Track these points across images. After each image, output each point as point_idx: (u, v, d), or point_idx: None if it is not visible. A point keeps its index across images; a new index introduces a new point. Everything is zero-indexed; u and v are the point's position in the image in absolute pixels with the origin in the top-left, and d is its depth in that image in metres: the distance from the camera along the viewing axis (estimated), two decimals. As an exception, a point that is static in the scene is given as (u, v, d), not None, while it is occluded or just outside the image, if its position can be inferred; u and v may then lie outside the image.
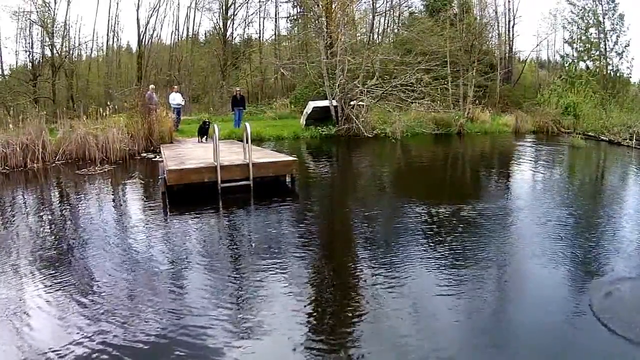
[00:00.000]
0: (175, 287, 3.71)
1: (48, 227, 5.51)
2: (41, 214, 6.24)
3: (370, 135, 14.77)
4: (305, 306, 3.36)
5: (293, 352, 2.76)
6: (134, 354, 2.72)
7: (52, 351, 2.73)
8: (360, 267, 4.16)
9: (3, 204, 7.00)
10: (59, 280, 3.80)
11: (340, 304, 3.42)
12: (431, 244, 4.73)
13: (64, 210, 6.42)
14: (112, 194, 7.72)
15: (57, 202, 7.13)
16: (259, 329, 3.01)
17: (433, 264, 4.16)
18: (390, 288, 3.63)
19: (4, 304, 3.37)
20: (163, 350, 2.76)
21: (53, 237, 5.04)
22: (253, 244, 4.84)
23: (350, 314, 3.23)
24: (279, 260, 4.24)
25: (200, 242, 4.90)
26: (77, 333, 2.93)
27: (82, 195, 7.39)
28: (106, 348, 2.77)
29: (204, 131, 11.31)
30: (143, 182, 8.54)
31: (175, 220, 5.75)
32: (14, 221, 5.82)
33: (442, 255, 4.41)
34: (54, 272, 3.99)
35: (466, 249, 4.54)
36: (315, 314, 3.27)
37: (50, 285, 3.70)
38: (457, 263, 4.16)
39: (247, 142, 7.03)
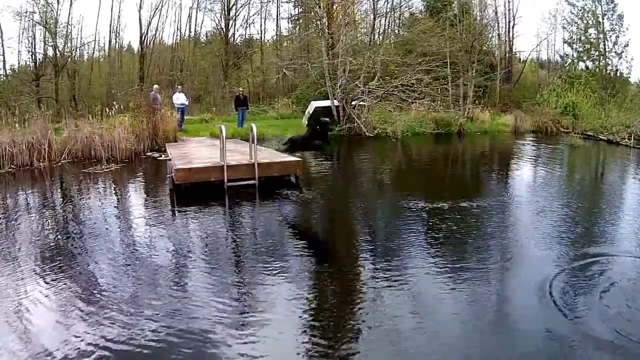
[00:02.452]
0: (187, 275, 3.93)
1: (63, 223, 5.71)
2: (55, 210, 6.44)
3: (371, 135, 14.95)
4: (307, 292, 3.58)
5: (292, 332, 2.96)
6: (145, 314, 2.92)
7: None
8: (362, 260, 4.34)
9: (19, 201, 7.21)
10: (79, 269, 4.04)
11: (342, 289, 3.63)
12: (429, 233, 5.01)
13: (76, 208, 6.59)
14: (122, 192, 7.91)
15: (69, 200, 7.31)
16: (263, 313, 3.22)
17: (431, 250, 4.46)
18: (390, 273, 3.85)
19: (35, 285, 3.64)
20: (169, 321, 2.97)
21: (69, 232, 5.23)
22: (258, 238, 5.07)
23: (351, 300, 3.43)
24: (281, 253, 4.47)
25: (208, 235, 5.11)
26: (95, 310, 3.13)
27: (92, 193, 7.59)
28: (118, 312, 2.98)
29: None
30: (150, 180, 8.75)
31: (184, 217, 5.95)
32: (31, 217, 6.02)
33: (441, 242, 4.69)
34: (75, 261, 4.25)
35: (464, 236, 4.83)
36: (316, 300, 3.48)
37: (70, 272, 3.97)
38: (456, 250, 4.45)
39: (253, 142, 7.20)
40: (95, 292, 3.59)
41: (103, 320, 3.12)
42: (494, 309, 3.29)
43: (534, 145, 14.42)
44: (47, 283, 3.77)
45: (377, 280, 3.79)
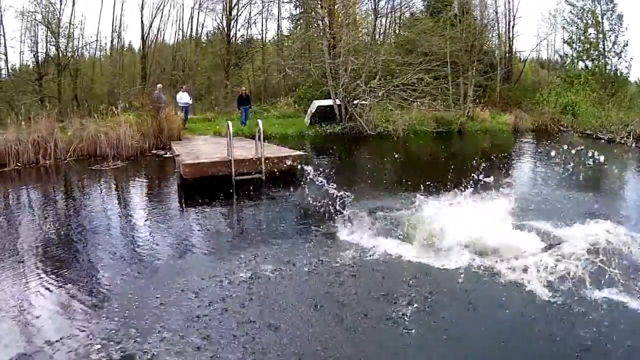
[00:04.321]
0: (204, 258, 4.19)
1: (81, 216, 5.90)
2: (70, 205, 6.66)
3: (373, 133, 15.09)
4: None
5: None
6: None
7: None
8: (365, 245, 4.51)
9: (32, 196, 7.40)
10: (102, 255, 4.33)
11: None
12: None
13: (89, 203, 6.79)
14: (131, 187, 8.13)
15: (81, 195, 7.48)
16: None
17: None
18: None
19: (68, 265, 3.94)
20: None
21: (89, 225, 5.44)
22: (267, 227, 5.37)
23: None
24: (286, 238, 4.75)
25: (218, 224, 5.39)
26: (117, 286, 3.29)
27: (103, 189, 7.80)
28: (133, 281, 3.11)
29: None
30: (158, 176, 8.95)
31: (194, 209, 6.19)
32: (48, 211, 6.22)
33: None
34: (98, 249, 4.52)
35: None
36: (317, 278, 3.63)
37: (90, 258, 4.25)
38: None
39: (259, 137, 7.36)
40: (116, 276, 3.77)
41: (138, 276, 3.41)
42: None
43: (532, 144, 14.59)
44: (71, 270, 3.99)
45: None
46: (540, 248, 4.10)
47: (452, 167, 6.51)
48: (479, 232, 4.16)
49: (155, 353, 2.69)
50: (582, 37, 24.29)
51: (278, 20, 26.37)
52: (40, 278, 3.82)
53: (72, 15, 22.35)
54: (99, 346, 2.74)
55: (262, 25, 27.95)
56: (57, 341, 2.80)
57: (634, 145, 13.88)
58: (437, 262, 3.95)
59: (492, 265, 3.79)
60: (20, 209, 6.46)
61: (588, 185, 7.44)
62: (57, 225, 5.49)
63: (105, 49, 25.50)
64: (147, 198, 7.09)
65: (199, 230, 5.19)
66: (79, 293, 3.53)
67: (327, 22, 17.15)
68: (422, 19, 21.73)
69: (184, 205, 6.42)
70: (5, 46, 21.29)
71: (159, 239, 4.81)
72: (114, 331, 2.90)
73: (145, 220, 5.58)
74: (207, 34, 27.40)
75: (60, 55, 21.85)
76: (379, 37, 22.31)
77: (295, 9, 25.26)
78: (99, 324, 3.00)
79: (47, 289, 3.61)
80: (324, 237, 4.75)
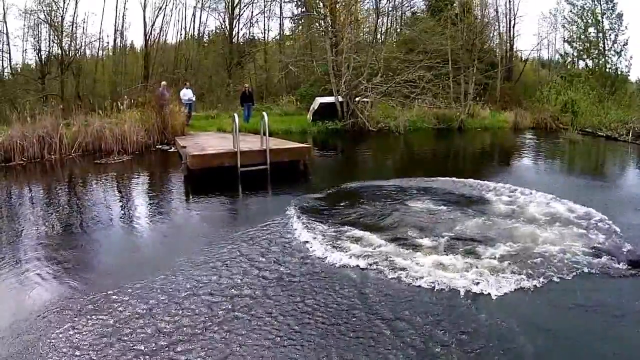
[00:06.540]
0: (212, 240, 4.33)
1: (90, 204, 6.08)
2: (78, 195, 6.80)
3: (374, 130, 15.23)
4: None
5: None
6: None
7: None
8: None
9: (44, 187, 7.60)
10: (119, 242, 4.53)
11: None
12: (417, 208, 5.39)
13: (99, 193, 6.94)
14: (139, 179, 8.27)
15: (89, 186, 7.59)
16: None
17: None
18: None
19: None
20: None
21: (99, 212, 5.61)
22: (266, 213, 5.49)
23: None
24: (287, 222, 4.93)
25: (223, 212, 5.58)
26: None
27: (112, 180, 7.93)
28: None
29: None
30: (164, 168, 9.14)
31: (202, 197, 6.38)
32: (59, 203, 6.34)
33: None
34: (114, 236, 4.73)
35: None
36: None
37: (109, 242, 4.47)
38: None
39: (264, 129, 7.49)
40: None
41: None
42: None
43: (531, 140, 14.69)
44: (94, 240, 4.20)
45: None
46: None
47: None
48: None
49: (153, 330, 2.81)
50: (582, 36, 24.45)
51: (280, 20, 26.51)
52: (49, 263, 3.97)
53: (75, 14, 22.54)
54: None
55: (264, 25, 28.09)
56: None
57: (632, 141, 13.98)
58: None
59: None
60: (29, 200, 6.58)
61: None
62: (71, 212, 5.64)
63: (108, 48, 25.66)
64: (154, 188, 7.24)
65: (203, 218, 5.30)
66: (83, 273, 3.72)
67: (329, 21, 17.30)
68: (423, 18, 21.86)
69: (190, 195, 6.58)
70: (8, 44, 21.47)
71: (164, 227, 4.95)
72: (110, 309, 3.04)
73: (154, 209, 5.72)
74: (209, 33, 27.57)
75: (63, 53, 21.99)
76: (381, 35, 22.45)
77: (297, 8, 25.42)
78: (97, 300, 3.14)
79: (51, 271, 3.81)
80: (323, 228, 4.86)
